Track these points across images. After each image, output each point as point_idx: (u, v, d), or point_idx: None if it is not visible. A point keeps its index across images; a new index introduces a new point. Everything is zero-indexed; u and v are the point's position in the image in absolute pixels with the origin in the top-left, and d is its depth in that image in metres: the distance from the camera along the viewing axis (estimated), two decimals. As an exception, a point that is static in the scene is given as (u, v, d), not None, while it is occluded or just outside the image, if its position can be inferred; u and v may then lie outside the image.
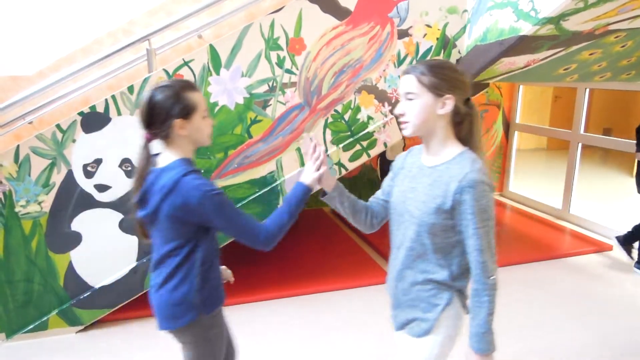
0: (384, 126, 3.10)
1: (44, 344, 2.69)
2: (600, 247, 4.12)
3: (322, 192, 1.53)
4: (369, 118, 3.07)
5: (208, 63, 2.71)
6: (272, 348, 2.65)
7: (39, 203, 2.62)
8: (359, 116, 3.04)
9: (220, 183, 2.86)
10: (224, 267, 1.74)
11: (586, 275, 3.62)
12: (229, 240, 2.72)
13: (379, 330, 2.83)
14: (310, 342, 2.72)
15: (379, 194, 1.60)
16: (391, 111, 3.10)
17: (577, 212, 4.83)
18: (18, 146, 2.55)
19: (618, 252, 3.95)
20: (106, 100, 2.62)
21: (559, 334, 2.79)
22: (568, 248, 4.13)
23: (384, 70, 3.04)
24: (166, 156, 1.45)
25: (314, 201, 5.17)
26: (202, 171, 2.81)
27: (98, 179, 2.67)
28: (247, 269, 3.58)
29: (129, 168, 2.70)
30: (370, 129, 3.08)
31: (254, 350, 2.64)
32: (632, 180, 4.04)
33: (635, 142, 3.67)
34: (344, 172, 3.07)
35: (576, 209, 4.86)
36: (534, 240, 4.30)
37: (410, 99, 1.35)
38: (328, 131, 2.99)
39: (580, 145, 4.75)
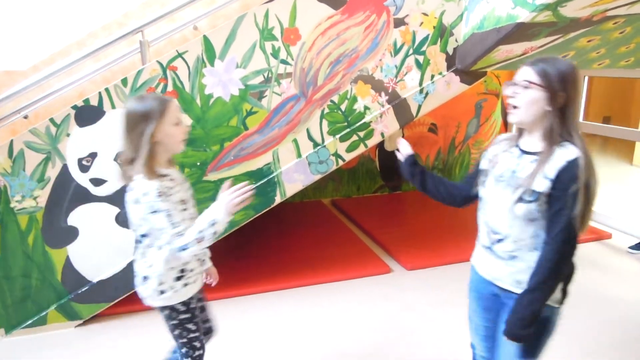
0: (380, 116, 3.08)
1: (43, 339, 2.69)
2: (599, 235, 4.11)
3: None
4: (366, 108, 3.05)
5: (202, 54, 2.69)
6: (271, 340, 2.65)
7: (35, 198, 2.61)
8: (355, 106, 3.02)
9: (217, 175, 2.85)
10: None
11: (585, 263, 3.61)
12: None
13: (378, 320, 2.83)
14: (309, 333, 2.72)
15: None
16: (388, 101, 3.08)
17: (577, 201, 4.81)
18: (12, 141, 2.53)
19: (617, 240, 3.95)
20: (100, 93, 2.60)
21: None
22: (567, 237, 4.12)
23: (380, 60, 3.01)
24: None
25: (312, 192, 5.18)
26: (198, 163, 2.80)
27: (93, 172, 2.66)
28: (244, 261, 3.58)
29: (124, 161, 2.68)
30: (367, 119, 3.05)
31: (253, 342, 2.64)
32: (631, 168, 4.01)
33: None
34: (341, 162, 3.05)
35: (575, 198, 4.84)
36: (533, 229, 4.29)
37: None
38: (325, 122, 2.97)
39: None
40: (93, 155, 2.64)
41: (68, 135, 2.59)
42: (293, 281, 3.28)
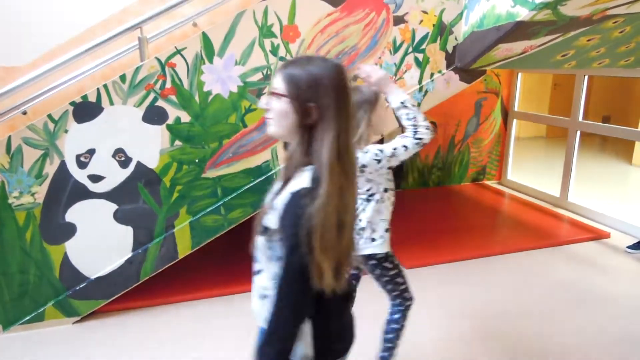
0: (380, 114, 3.07)
1: (41, 335, 2.69)
2: (598, 235, 4.11)
3: None
4: (365, 106, 3.04)
5: (201, 51, 2.68)
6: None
7: (33, 194, 2.60)
8: (354, 104, 3.01)
9: (215, 173, 2.84)
10: None
11: (584, 263, 3.61)
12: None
13: (377, 318, 2.83)
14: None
15: None
16: (387, 99, 3.07)
17: (575, 200, 4.82)
18: (9, 137, 2.52)
19: (615, 239, 3.95)
20: (98, 89, 2.59)
21: (556, 321, 2.79)
22: (566, 236, 4.13)
23: (380, 58, 3.00)
24: None
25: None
26: (197, 160, 2.80)
27: (91, 169, 2.65)
28: (243, 259, 3.57)
29: (123, 158, 2.68)
30: (366, 117, 3.05)
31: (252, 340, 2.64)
32: (631, 168, 4.02)
33: None
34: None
35: (574, 197, 4.85)
36: (532, 228, 4.29)
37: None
38: (323, 120, 2.97)
39: (578, 132, 4.72)
40: (91, 152, 2.64)
41: (66, 131, 2.58)
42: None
